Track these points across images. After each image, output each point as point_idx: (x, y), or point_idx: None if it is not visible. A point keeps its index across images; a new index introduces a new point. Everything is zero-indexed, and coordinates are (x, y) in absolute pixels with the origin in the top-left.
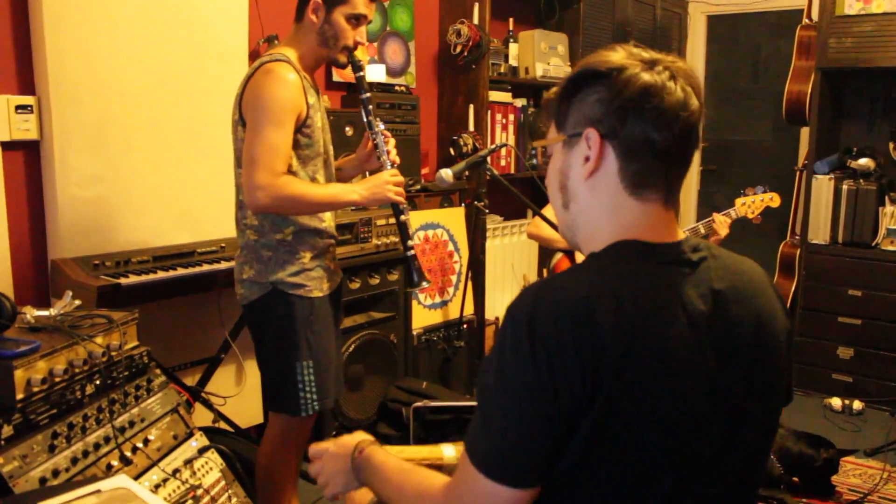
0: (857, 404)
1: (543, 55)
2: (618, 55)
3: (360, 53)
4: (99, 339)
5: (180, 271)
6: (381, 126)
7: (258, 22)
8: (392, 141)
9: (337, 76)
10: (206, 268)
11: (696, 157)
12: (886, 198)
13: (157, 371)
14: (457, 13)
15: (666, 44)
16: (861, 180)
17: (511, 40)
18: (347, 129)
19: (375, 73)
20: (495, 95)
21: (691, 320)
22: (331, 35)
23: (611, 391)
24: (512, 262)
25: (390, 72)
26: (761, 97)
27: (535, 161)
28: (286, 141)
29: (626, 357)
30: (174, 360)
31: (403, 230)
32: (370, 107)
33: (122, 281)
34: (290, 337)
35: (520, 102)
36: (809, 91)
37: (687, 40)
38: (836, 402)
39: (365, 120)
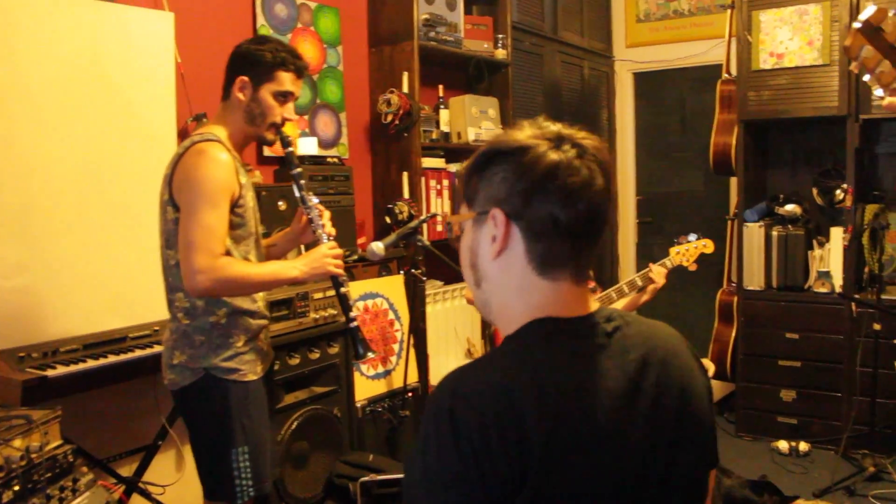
0: (803, 446)
1: (475, 119)
2: (525, 133)
3: (290, 128)
4: (17, 443)
5: (111, 359)
6: (315, 200)
7: (186, 100)
8: (327, 213)
9: (268, 150)
10: (138, 353)
11: (632, 210)
12: (814, 242)
13: (84, 469)
14: (386, 83)
15: (595, 101)
16: (789, 226)
17: (442, 106)
18: (280, 203)
19: (307, 147)
20: (428, 162)
21: (614, 393)
22: (258, 113)
23: (539, 474)
24: (455, 325)
25: (322, 144)
26: (690, 149)
27: (450, 235)
28: (223, 222)
29: (552, 439)
30: (109, 451)
31: (344, 302)
32: (302, 182)
33: (49, 373)
34: (225, 423)
35: (453, 167)
36: (734, 142)
37: (615, 97)
38: (782, 444)
39: (297, 195)
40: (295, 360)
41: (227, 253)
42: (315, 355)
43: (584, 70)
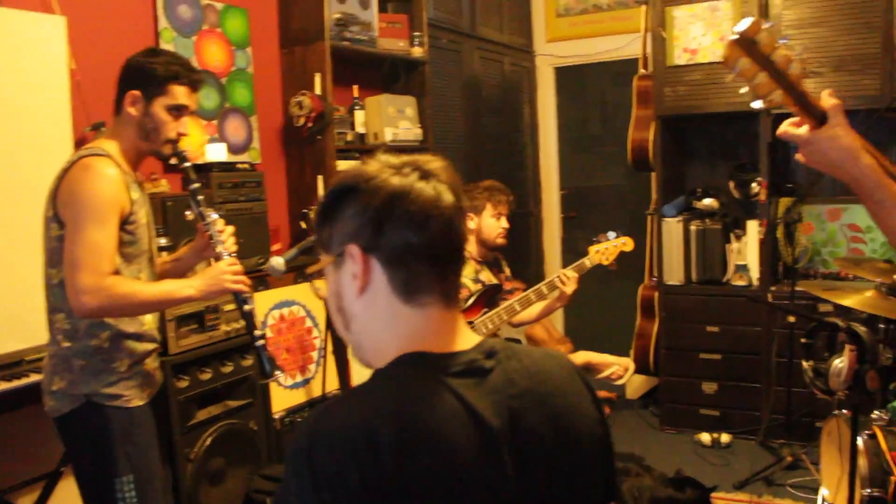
0: (725, 437)
1: (392, 119)
2: (368, 166)
3: (197, 133)
4: None
5: (3, 385)
6: (214, 215)
7: (82, 108)
8: (229, 229)
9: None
10: (34, 378)
11: (557, 205)
12: (732, 235)
13: None
14: (299, 84)
15: (517, 97)
16: (707, 220)
17: (357, 107)
18: (188, 213)
19: (216, 153)
20: (344, 164)
21: (482, 433)
22: (151, 128)
23: None
24: None
25: (232, 149)
26: (612, 143)
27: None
28: (111, 239)
29: (411, 480)
30: (7, 482)
31: (249, 320)
32: (199, 197)
33: None
34: (108, 452)
35: None
36: (651, 138)
37: (537, 92)
38: (705, 437)
39: (196, 211)
40: (207, 375)
41: (117, 272)
42: (228, 368)
43: (505, 66)
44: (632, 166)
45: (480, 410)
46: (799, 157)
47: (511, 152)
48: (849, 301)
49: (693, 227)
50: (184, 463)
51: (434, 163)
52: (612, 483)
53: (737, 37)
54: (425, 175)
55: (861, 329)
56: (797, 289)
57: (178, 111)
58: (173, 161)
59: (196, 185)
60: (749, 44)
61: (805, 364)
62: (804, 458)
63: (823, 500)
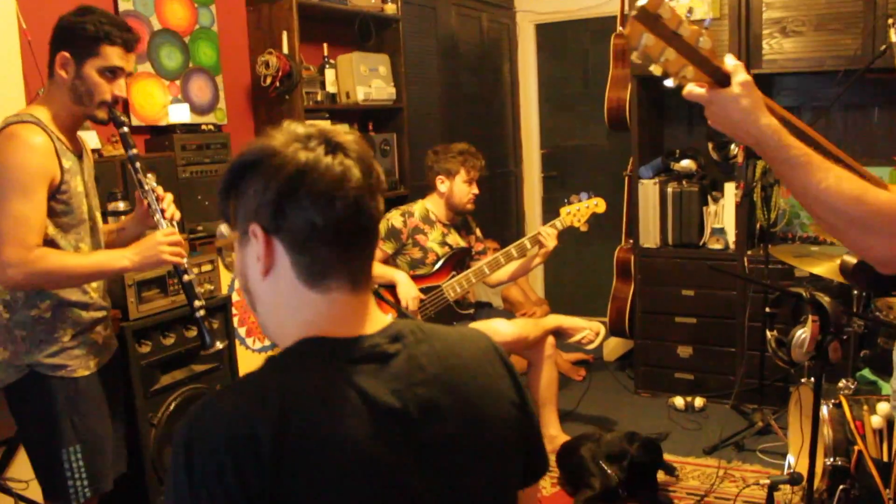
0: (698, 401)
1: (364, 78)
2: (273, 139)
3: (161, 93)
4: None
5: None
6: (153, 183)
7: (35, 70)
8: (169, 197)
9: (136, 120)
10: None
11: (537, 164)
12: (709, 197)
13: None
14: (266, 43)
15: (496, 55)
16: (684, 182)
17: (327, 66)
18: (149, 176)
19: (179, 114)
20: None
21: (379, 421)
22: (84, 91)
23: None
24: None
25: (196, 110)
26: (593, 102)
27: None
28: (38, 211)
29: (296, 477)
30: None
31: (188, 291)
32: (137, 164)
33: None
34: (53, 422)
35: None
36: (628, 98)
37: (517, 50)
38: (678, 401)
39: (135, 179)
40: (170, 340)
41: (52, 243)
42: (192, 333)
43: (483, 22)
44: (608, 127)
45: (378, 398)
46: (708, 119)
47: (490, 111)
48: (819, 269)
49: (670, 190)
50: (147, 428)
51: (345, 135)
52: (536, 463)
53: (636, 13)
54: (333, 149)
55: (825, 300)
56: (771, 253)
57: (111, 73)
58: (124, 129)
59: (134, 151)
60: (652, 19)
61: (769, 334)
62: (774, 424)
63: (789, 466)
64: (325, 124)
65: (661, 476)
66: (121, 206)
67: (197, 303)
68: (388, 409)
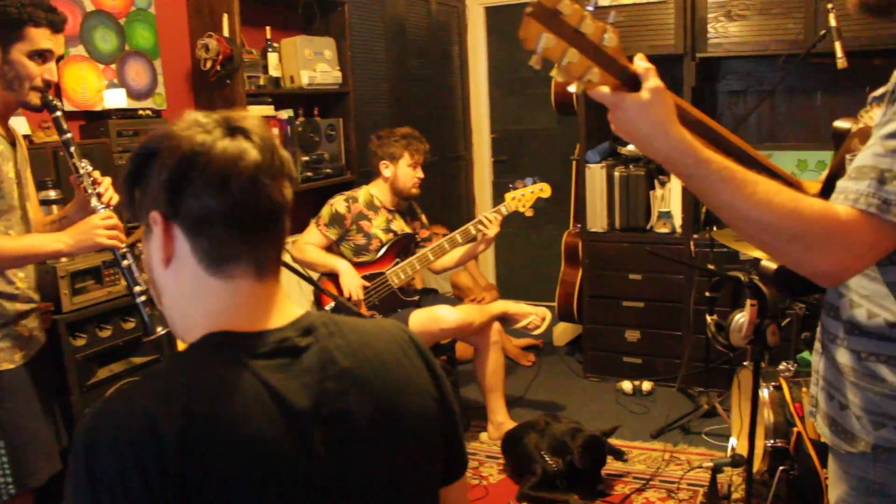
0: (646, 385)
1: (309, 62)
2: (176, 126)
3: (93, 78)
4: None
5: None
6: (89, 167)
7: None
8: (107, 180)
9: (70, 105)
10: None
11: (487, 148)
12: (656, 181)
13: None
14: (206, 25)
15: (445, 38)
16: (631, 166)
17: (270, 50)
18: (84, 161)
19: (115, 99)
20: (256, 110)
21: (289, 418)
22: (13, 76)
23: None
24: (297, 278)
25: (133, 95)
26: (543, 86)
27: (309, 174)
28: None
29: (203, 479)
30: None
31: (128, 276)
32: (72, 148)
33: None
34: None
35: (285, 114)
36: None
37: (467, 33)
38: (626, 385)
39: (70, 163)
40: (106, 332)
41: None
42: (130, 325)
43: (432, 5)
44: (556, 111)
45: (287, 394)
46: (613, 126)
47: (439, 96)
48: (762, 253)
49: (617, 174)
50: (83, 422)
51: (247, 119)
52: (457, 460)
53: (531, 10)
54: (232, 132)
55: (764, 284)
56: (715, 237)
57: (41, 56)
58: (57, 113)
59: (68, 135)
60: (551, 16)
61: (709, 318)
62: (718, 407)
63: (732, 449)
64: (231, 112)
65: (610, 461)
66: (52, 194)
67: (137, 288)
68: (298, 405)
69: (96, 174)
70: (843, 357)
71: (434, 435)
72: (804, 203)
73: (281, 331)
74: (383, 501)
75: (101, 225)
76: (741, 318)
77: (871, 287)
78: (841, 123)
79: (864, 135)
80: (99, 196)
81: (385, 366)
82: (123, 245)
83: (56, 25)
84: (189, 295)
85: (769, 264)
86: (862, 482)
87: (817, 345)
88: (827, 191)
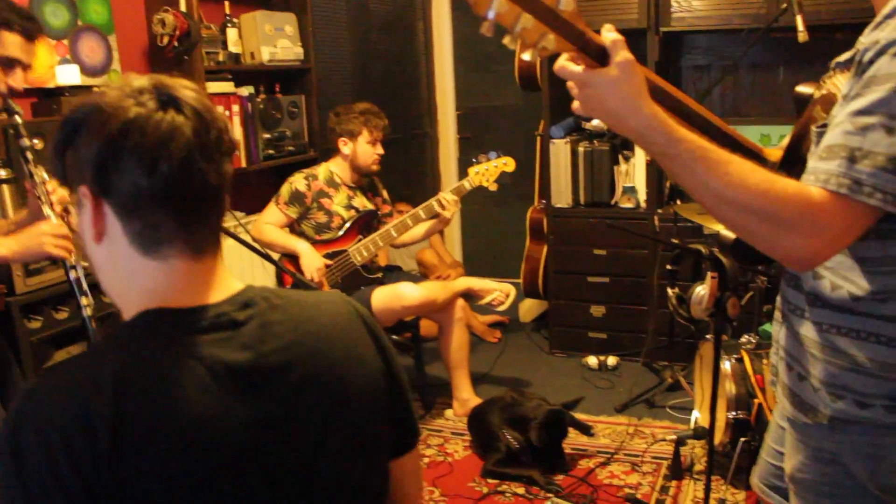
0: (611, 360)
1: (269, 38)
2: (106, 93)
3: (44, 54)
4: None
5: None
6: (45, 175)
7: None
8: (61, 191)
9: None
10: None
11: (452, 125)
12: (620, 156)
13: None
14: (162, 0)
15: (409, 13)
16: (595, 141)
17: (229, 25)
18: (36, 140)
19: (67, 75)
20: (215, 87)
21: (227, 393)
22: None
23: (113, 498)
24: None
25: (87, 71)
26: (509, 62)
27: (271, 151)
28: None
29: (138, 461)
30: None
31: (76, 290)
32: (29, 155)
33: None
34: None
35: (245, 91)
36: (538, 58)
37: (431, 8)
38: (591, 360)
39: (25, 169)
40: (63, 314)
41: None
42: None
43: None
44: (520, 86)
45: (226, 369)
46: (575, 105)
47: (403, 72)
48: (720, 225)
49: (581, 149)
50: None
51: (183, 88)
52: (407, 433)
53: None
54: (165, 104)
55: (724, 256)
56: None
57: (9, 64)
58: (17, 120)
59: (27, 142)
60: None
61: (670, 291)
62: (682, 380)
63: (695, 422)
64: (166, 77)
65: (576, 436)
66: (2, 173)
67: (84, 300)
68: (237, 380)
69: (52, 184)
70: (805, 329)
71: (381, 407)
72: (778, 185)
73: (219, 305)
74: (329, 474)
75: (51, 233)
76: (702, 290)
77: (836, 259)
78: (803, 89)
79: (827, 101)
80: (52, 205)
81: (329, 339)
82: (72, 256)
83: (31, 34)
84: (123, 274)
85: (728, 234)
86: (818, 452)
87: (778, 314)
88: (788, 159)
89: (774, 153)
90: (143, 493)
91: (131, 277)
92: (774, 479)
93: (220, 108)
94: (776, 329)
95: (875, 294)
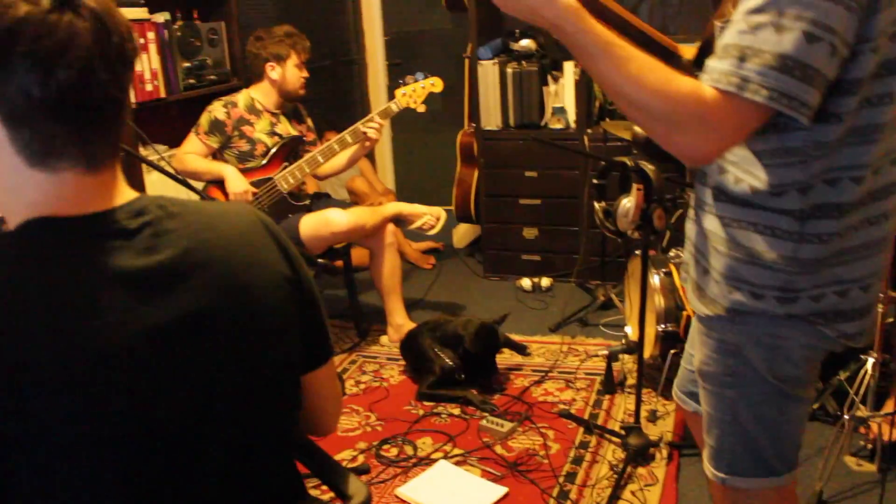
0: (545, 281)
1: None
2: None
3: None
4: None
5: None
6: None
7: None
8: None
9: None
10: None
11: (381, 51)
12: (549, 77)
13: None
14: None
15: None
16: (524, 62)
17: None
18: None
19: None
20: (126, 13)
21: (120, 300)
22: None
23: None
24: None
25: None
26: None
27: (192, 81)
28: None
29: (22, 372)
30: None
31: None
32: None
33: None
34: None
35: (161, 17)
36: None
37: None
38: (525, 282)
39: None
40: None
41: None
42: None
43: None
44: (446, 8)
45: (116, 277)
46: None
47: None
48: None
49: (510, 70)
50: None
51: None
52: (318, 345)
53: None
54: (62, 2)
55: (649, 167)
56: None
57: None
58: None
59: None
60: None
61: (596, 205)
62: (615, 298)
63: (627, 337)
64: None
65: (510, 356)
66: None
67: None
68: (129, 288)
69: None
70: (710, 223)
71: (288, 316)
72: (674, 83)
73: (110, 213)
74: (234, 385)
75: None
76: (628, 202)
77: (739, 153)
78: None
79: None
80: None
81: (230, 246)
82: None
83: None
84: (6, 187)
85: (641, 131)
86: (721, 344)
87: (691, 212)
88: (702, 56)
89: (690, 51)
90: (34, 405)
91: (15, 190)
92: (691, 384)
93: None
94: (689, 226)
95: (773, 187)
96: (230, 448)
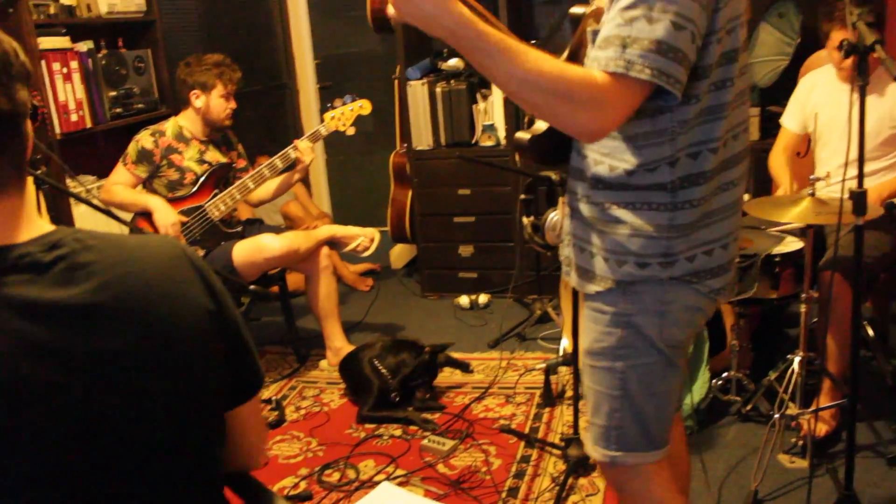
0: (483, 298)
1: None
2: None
3: None
4: None
5: None
6: None
7: None
8: None
9: None
10: None
11: (312, 75)
12: (478, 95)
13: None
14: None
15: None
16: (452, 81)
17: None
18: None
19: None
20: (49, 42)
21: (32, 336)
22: None
23: None
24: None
25: None
26: (362, 7)
27: (118, 110)
28: None
29: None
30: None
31: None
32: None
33: None
34: None
35: (84, 46)
36: None
37: None
38: (463, 300)
39: None
40: None
41: None
42: None
43: None
44: (374, 30)
45: (28, 314)
46: (389, 10)
47: (256, 21)
48: None
49: (439, 90)
50: None
51: None
52: (246, 378)
53: None
54: None
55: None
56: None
57: None
58: None
59: None
60: None
61: (525, 220)
62: (551, 311)
63: (563, 349)
64: None
65: (451, 374)
66: None
67: None
68: (43, 323)
69: None
70: (588, 210)
71: (210, 350)
72: (569, 70)
73: (22, 246)
74: (154, 420)
75: None
76: (555, 216)
77: (611, 145)
78: (576, 9)
79: (598, 14)
80: None
81: (149, 280)
82: None
83: None
84: None
85: (524, 135)
86: (615, 317)
87: (567, 210)
88: (569, 60)
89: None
90: None
91: None
92: None
93: (56, 66)
94: (567, 224)
95: (646, 166)
96: (154, 484)
